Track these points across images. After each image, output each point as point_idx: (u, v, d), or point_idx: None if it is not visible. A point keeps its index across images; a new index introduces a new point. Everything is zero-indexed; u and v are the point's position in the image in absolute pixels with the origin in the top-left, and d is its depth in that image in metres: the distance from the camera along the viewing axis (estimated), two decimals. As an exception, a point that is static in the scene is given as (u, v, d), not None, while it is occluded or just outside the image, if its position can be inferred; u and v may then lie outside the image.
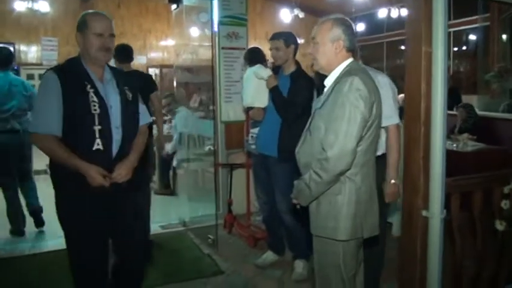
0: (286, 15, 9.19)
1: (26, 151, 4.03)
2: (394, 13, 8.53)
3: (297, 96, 2.93)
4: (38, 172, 5.22)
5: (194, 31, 4.94)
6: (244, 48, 4.24)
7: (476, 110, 5.09)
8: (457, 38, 8.32)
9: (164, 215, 4.54)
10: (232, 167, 4.12)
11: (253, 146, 3.35)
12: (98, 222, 2.03)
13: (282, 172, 2.94)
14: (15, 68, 7.49)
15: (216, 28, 4.29)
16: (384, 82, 2.38)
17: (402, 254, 2.32)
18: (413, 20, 2.18)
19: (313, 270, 2.06)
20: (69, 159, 1.93)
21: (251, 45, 4.08)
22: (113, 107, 2.03)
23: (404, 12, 8.06)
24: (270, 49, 3.05)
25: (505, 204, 2.39)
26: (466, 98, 6.41)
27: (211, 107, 4.76)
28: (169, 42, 9.32)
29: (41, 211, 4.16)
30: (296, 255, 3.20)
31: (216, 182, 4.04)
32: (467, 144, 4.26)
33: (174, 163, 5.51)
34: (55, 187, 2.07)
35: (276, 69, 3.20)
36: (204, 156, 5.01)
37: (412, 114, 2.17)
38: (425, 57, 2.07)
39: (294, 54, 3.06)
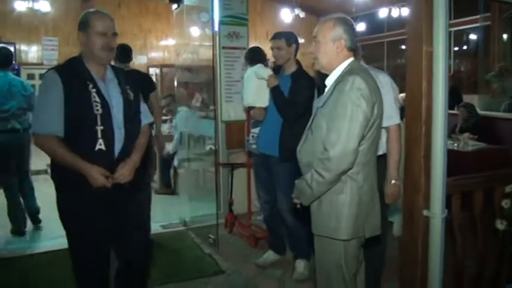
0: (286, 15, 9.18)
1: (25, 150, 4.03)
2: (395, 13, 8.51)
3: (298, 95, 2.92)
4: (38, 172, 5.24)
5: (195, 31, 4.95)
6: (244, 48, 4.24)
7: (477, 110, 5.08)
8: (457, 38, 8.31)
9: (165, 215, 4.54)
10: (233, 166, 4.12)
11: (254, 146, 3.34)
12: (100, 223, 2.01)
13: (283, 171, 2.94)
14: (16, 68, 7.50)
15: (216, 28, 4.29)
16: (385, 81, 2.38)
17: (403, 254, 2.31)
18: (414, 19, 2.17)
19: (314, 269, 2.06)
20: (71, 159, 1.91)
21: (252, 44, 4.09)
22: (115, 107, 2.00)
23: (405, 11, 8.06)
24: (271, 48, 3.05)
25: (505, 203, 2.39)
26: (466, 98, 6.40)
27: (211, 107, 4.76)
28: (170, 42, 9.32)
29: (38, 212, 4.17)
30: (297, 254, 3.19)
31: (216, 181, 4.04)
32: (468, 143, 4.26)
33: (175, 163, 5.51)
34: (56, 188, 2.04)
35: (277, 69, 3.20)
36: (205, 156, 5.01)
37: (413, 114, 2.16)
38: (426, 57, 2.07)
39: (295, 54, 3.06)
